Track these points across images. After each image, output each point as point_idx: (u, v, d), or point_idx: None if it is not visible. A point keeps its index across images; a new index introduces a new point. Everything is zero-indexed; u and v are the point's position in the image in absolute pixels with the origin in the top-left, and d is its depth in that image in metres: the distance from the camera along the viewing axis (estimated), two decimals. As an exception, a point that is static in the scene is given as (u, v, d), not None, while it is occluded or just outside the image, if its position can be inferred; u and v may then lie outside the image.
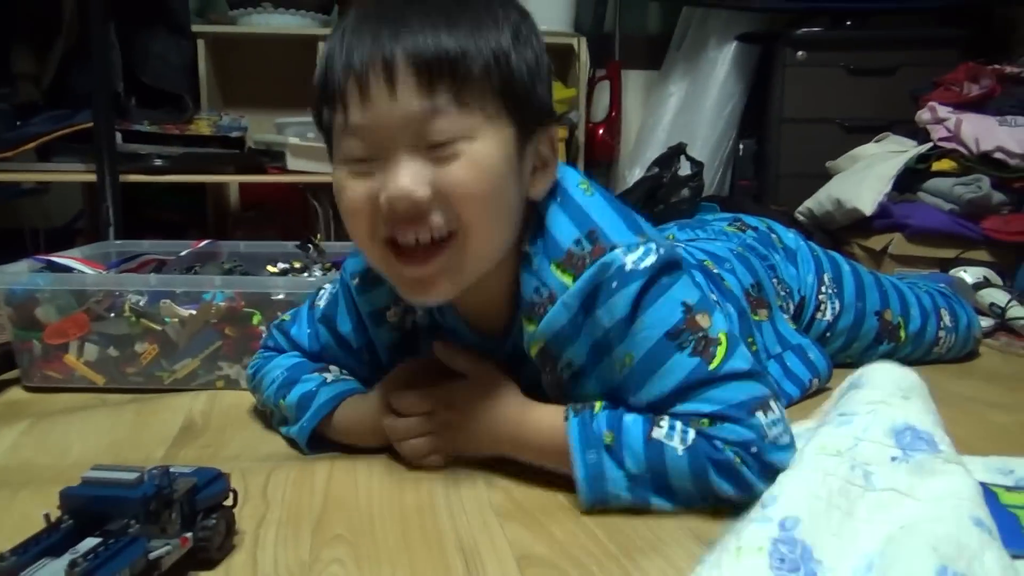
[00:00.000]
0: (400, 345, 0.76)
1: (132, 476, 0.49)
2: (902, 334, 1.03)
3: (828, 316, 1.00)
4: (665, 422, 0.61)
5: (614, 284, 0.61)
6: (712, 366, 0.60)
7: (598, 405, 0.64)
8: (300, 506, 0.63)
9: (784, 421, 0.61)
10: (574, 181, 0.67)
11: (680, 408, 0.61)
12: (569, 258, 0.63)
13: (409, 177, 0.57)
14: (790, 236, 1.04)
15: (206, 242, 1.21)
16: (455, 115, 0.57)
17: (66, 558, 0.45)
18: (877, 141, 1.87)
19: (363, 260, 0.73)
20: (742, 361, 0.61)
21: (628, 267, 0.61)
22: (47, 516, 0.49)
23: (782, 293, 0.95)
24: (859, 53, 2.08)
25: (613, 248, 0.62)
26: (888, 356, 1.02)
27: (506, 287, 0.68)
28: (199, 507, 0.52)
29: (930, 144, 1.69)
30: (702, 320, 0.62)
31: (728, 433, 0.59)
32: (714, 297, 0.79)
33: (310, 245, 1.20)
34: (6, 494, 0.65)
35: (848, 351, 1.02)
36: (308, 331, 0.80)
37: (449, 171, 0.58)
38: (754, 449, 0.58)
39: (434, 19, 0.58)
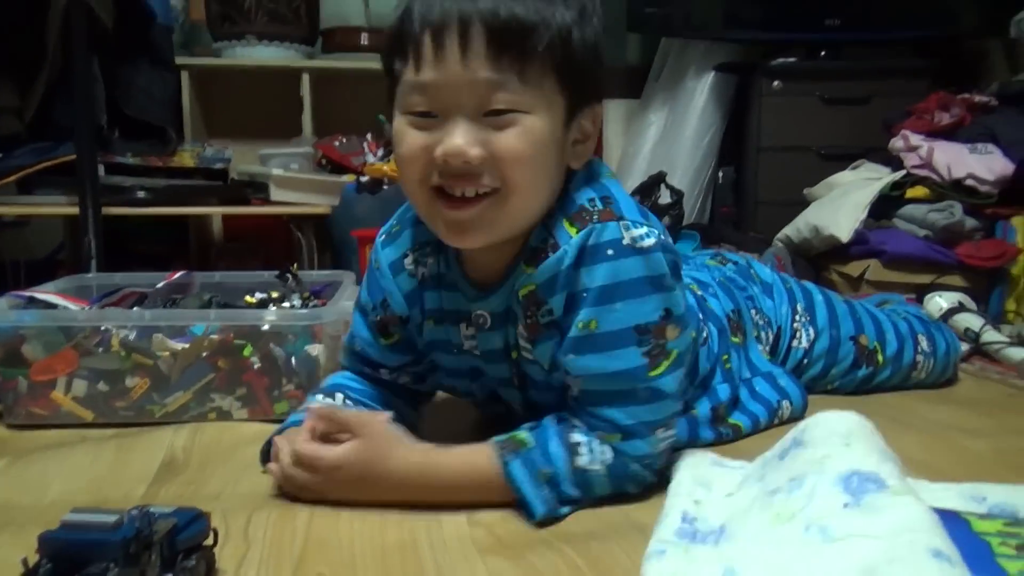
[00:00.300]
0: (413, 294, 0.78)
1: (111, 519, 0.49)
2: (879, 358, 1.05)
3: (804, 343, 1.02)
4: (584, 446, 0.67)
5: (609, 251, 0.66)
6: (651, 373, 0.67)
7: (525, 439, 0.68)
8: (282, 545, 0.63)
9: (674, 435, 0.72)
10: (605, 168, 0.74)
11: (602, 412, 0.67)
12: (580, 212, 0.68)
13: (465, 138, 0.62)
14: (766, 271, 1.07)
15: (181, 273, 1.21)
16: (517, 88, 0.62)
17: (44, 603, 0.45)
18: (852, 168, 1.91)
19: (386, 225, 0.80)
20: (673, 382, 0.69)
21: (625, 241, 0.66)
22: (24, 561, 0.49)
23: (761, 323, 0.98)
24: (833, 83, 2.13)
25: (620, 219, 0.67)
26: (867, 380, 1.05)
27: (520, 242, 0.71)
28: (179, 548, 0.52)
29: (903, 171, 1.73)
30: (671, 332, 0.68)
31: (634, 450, 0.68)
32: (700, 317, 0.85)
33: (288, 274, 1.21)
34: (-16, 536, 0.64)
35: (828, 378, 1.04)
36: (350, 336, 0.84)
37: (502, 137, 0.63)
38: (649, 461, 0.69)
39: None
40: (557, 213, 0.69)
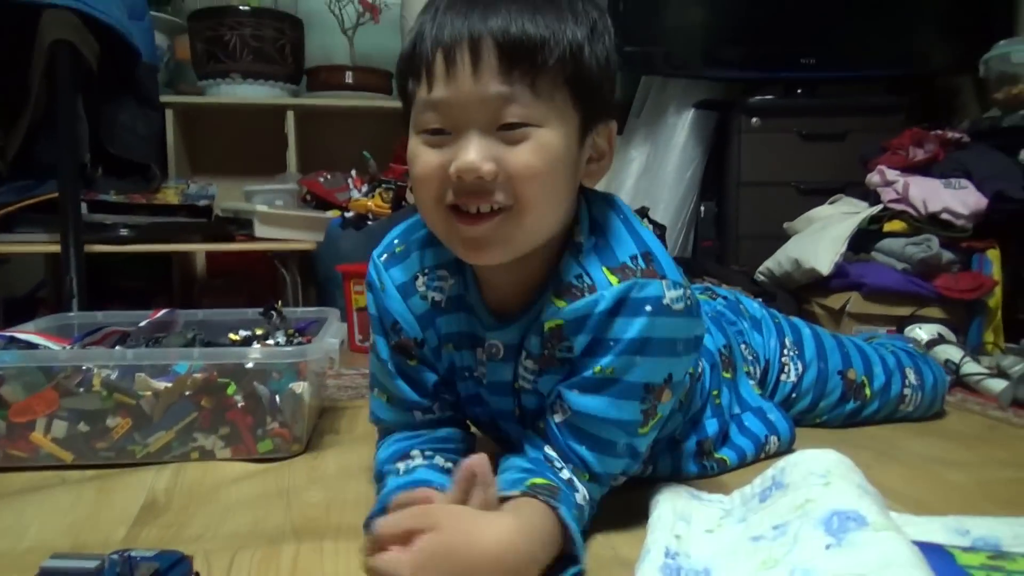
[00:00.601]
0: (426, 317, 0.76)
1: (91, 564, 0.49)
2: (867, 392, 1.06)
3: (792, 377, 1.03)
4: (576, 482, 0.68)
5: (647, 308, 0.66)
6: (639, 431, 0.69)
7: (549, 481, 0.66)
8: (265, 587, 0.62)
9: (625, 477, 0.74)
10: (631, 211, 0.73)
11: (579, 450, 0.69)
12: (622, 268, 0.68)
13: (478, 153, 0.62)
14: (755, 306, 1.08)
15: (164, 311, 1.20)
16: (529, 101, 0.62)
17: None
18: (831, 203, 1.94)
19: (384, 244, 0.79)
20: (647, 443, 0.72)
21: (665, 301, 0.66)
22: (2, 608, 0.48)
23: (749, 358, 0.99)
24: (811, 119, 2.18)
25: (663, 277, 0.67)
26: (856, 414, 1.06)
27: (545, 269, 0.71)
28: (160, 593, 0.52)
29: (881, 206, 1.76)
30: (665, 396, 0.69)
31: (596, 492, 0.70)
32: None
33: (273, 312, 1.20)
34: (-42, 583, 0.63)
35: (816, 411, 1.05)
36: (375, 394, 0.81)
37: (515, 152, 0.62)
38: (599, 499, 0.71)
39: (521, 6, 0.62)
40: (594, 256, 0.69)
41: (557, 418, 0.70)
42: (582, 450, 0.69)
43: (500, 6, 0.61)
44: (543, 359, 0.71)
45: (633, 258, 0.68)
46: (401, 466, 0.74)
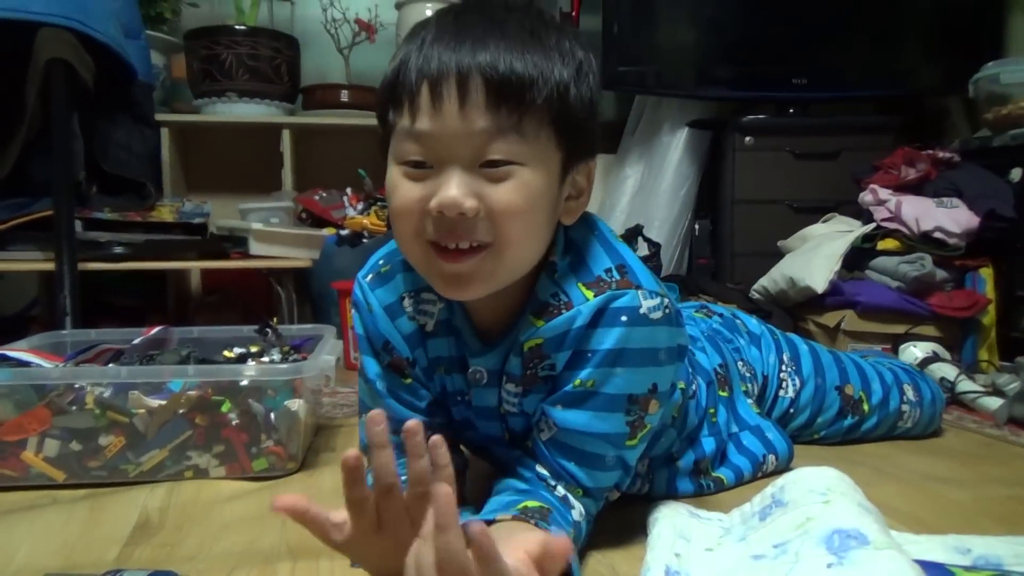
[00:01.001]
0: (414, 337, 0.76)
1: (85, 584, 0.48)
2: (865, 407, 1.07)
3: (790, 393, 1.03)
4: (571, 499, 0.68)
5: (623, 318, 0.66)
6: (627, 443, 0.69)
7: (539, 503, 0.65)
8: (260, 608, 0.61)
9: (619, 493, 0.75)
10: (608, 229, 0.74)
11: (569, 466, 0.69)
12: (597, 282, 0.68)
13: (461, 189, 0.61)
14: (753, 322, 1.09)
15: (158, 328, 1.19)
16: (514, 139, 0.61)
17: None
18: (824, 221, 1.95)
19: (369, 265, 0.78)
20: (637, 455, 0.72)
21: (641, 310, 0.66)
22: (-7, 630, 0.47)
23: (747, 375, 0.99)
24: (803, 138, 2.19)
25: (638, 287, 0.67)
26: (853, 430, 1.06)
27: (525, 292, 0.71)
28: (154, 614, 0.51)
29: (874, 224, 1.77)
30: (652, 407, 0.69)
31: (591, 507, 0.70)
32: (690, 370, 0.86)
33: (268, 329, 1.20)
34: (-53, 605, 0.62)
35: (814, 427, 1.05)
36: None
37: (497, 190, 0.62)
38: (595, 513, 0.72)
39: (509, 43, 0.61)
40: (570, 275, 0.69)
41: (543, 436, 0.70)
42: (571, 466, 0.68)
43: (489, 42, 0.61)
44: (525, 379, 0.71)
45: (607, 271, 0.68)
46: None
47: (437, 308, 0.75)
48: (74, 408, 0.92)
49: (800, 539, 0.58)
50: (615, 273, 0.68)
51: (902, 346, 1.51)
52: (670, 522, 0.71)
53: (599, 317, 0.66)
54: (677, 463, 0.85)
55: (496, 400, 0.75)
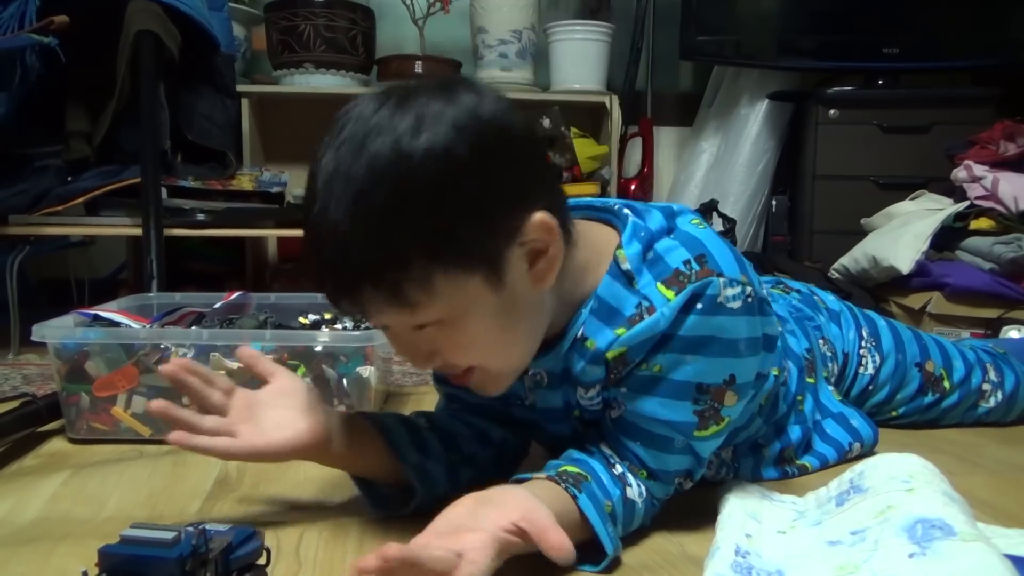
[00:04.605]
0: None
1: (169, 535, 0.50)
2: (946, 384, 1.02)
3: (870, 370, 1.00)
4: (628, 476, 0.67)
5: (699, 305, 0.63)
6: (697, 433, 0.66)
7: (580, 471, 0.65)
8: (332, 565, 0.63)
9: (690, 484, 0.71)
10: (687, 219, 0.70)
11: (634, 447, 0.68)
12: (676, 276, 0.65)
13: (415, 359, 0.64)
14: (831, 298, 1.05)
15: (238, 294, 1.23)
16: (423, 304, 0.58)
17: (103, 616, 0.45)
18: (913, 199, 1.86)
19: None
20: (711, 448, 0.69)
21: (719, 299, 0.64)
22: (85, 574, 0.49)
23: (828, 354, 0.96)
24: (892, 111, 2.09)
25: (720, 275, 0.64)
26: (933, 407, 1.03)
27: (578, 299, 0.68)
28: (233, 567, 0.53)
29: (967, 202, 1.68)
30: (728, 399, 0.66)
31: (655, 490, 0.68)
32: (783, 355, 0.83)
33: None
34: (46, 547, 0.66)
35: (893, 403, 1.01)
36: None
37: (447, 340, 0.62)
38: (665, 499, 0.70)
39: (350, 240, 0.57)
40: (648, 276, 0.65)
41: (613, 414, 0.69)
42: (635, 447, 0.67)
43: (328, 251, 0.59)
44: (610, 381, 0.68)
45: (686, 262, 0.65)
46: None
47: None
48: (160, 367, 0.96)
49: (880, 527, 0.56)
50: (694, 264, 0.65)
51: (1004, 328, 1.43)
52: (741, 503, 0.70)
53: (685, 312, 0.64)
54: (763, 451, 0.83)
55: (562, 402, 0.73)
